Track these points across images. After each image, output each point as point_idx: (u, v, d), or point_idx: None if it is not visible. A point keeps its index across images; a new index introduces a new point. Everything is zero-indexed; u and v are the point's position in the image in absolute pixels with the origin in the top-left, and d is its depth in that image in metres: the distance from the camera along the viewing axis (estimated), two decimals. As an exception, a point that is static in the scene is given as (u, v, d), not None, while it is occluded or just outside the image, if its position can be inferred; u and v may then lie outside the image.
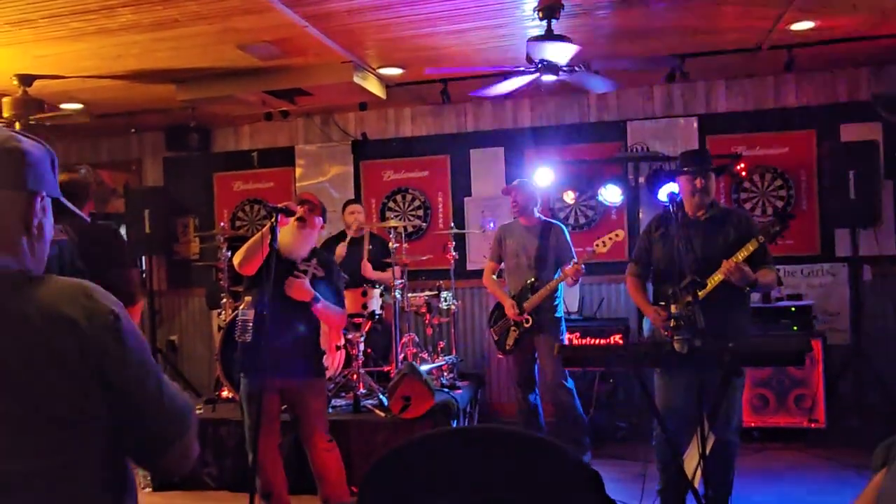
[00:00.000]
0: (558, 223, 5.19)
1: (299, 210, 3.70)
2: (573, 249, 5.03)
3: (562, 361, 3.72)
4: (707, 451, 2.95)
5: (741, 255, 3.44)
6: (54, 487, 1.26)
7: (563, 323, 5.09)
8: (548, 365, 4.92)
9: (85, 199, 4.17)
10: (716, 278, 3.43)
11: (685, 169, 3.64)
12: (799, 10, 4.37)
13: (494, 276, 5.26)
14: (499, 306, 5.16)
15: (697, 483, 2.96)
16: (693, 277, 3.38)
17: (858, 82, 5.91)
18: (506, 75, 4.67)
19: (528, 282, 4.96)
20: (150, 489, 4.76)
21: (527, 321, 4.92)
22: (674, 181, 3.96)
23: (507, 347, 5.06)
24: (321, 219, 3.85)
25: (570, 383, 4.99)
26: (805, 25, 4.68)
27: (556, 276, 4.92)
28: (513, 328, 5.01)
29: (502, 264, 5.21)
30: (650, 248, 3.78)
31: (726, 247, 3.50)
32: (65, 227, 3.40)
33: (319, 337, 3.94)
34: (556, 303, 5.00)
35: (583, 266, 4.76)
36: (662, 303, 3.58)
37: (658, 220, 3.83)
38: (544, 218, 5.23)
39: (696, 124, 6.20)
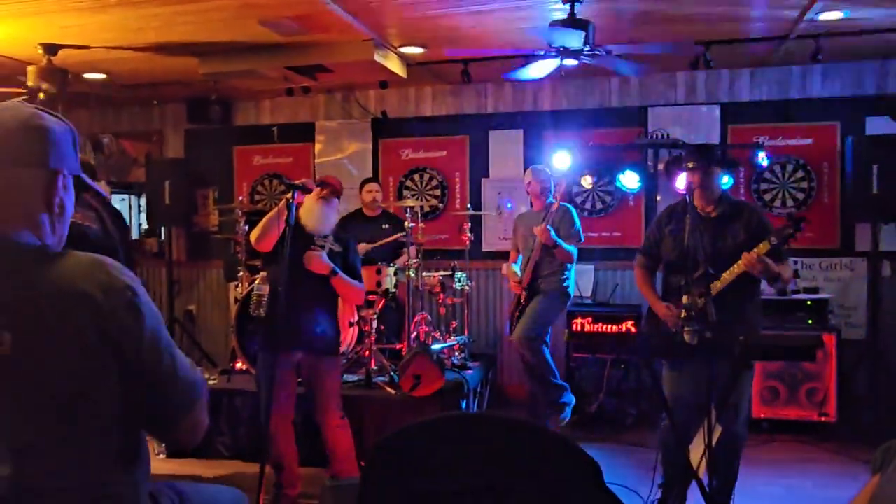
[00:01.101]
0: (565, 204, 5.27)
1: (318, 191, 3.74)
2: (577, 226, 5.15)
3: (572, 347, 3.73)
4: (713, 443, 2.97)
5: (763, 248, 3.38)
6: (70, 457, 1.30)
7: (567, 295, 5.18)
8: (525, 319, 5.06)
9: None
10: (735, 269, 3.39)
11: (688, 165, 3.56)
12: (829, 0, 4.30)
13: (515, 265, 5.40)
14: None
15: (702, 473, 2.98)
16: (706, 268, 3.36)
17: (886, 75, 5.81)
18: (527, 58, 4.64)
19: (527, 258, 5.18)
20: (164, 456, 4.87)
21: (522, 295, 5.14)
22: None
23: (513, 326, 5.23)
24: (337, 200, 3.89)
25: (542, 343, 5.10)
26: (834, 16, 4.61)
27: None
28: (517, 307, 5.21)
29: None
30: (661, 241, 3.73)
31: (736, 245, 3.44)
32: (96, 208, 3.40)
33: (337, 314, 4.01)
34: (563, 276, 5.10)
35: (548, 226, 4.91)
36: (674, 298, 3.55)
37: (669, 212, 3.77)
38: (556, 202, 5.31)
39: (718, 112, 6.14)
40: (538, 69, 4.62)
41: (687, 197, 3.53)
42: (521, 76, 4.79)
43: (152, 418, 1.43)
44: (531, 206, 5.44)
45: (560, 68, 4.60)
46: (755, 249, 3.33)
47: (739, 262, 3.36)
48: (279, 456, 3.85)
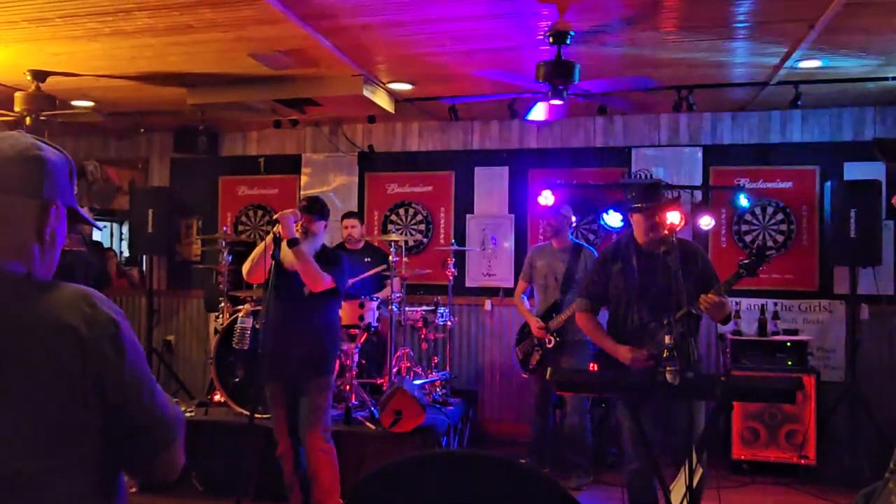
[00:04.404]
0: (589, 247, 5.27)
1: (295, 227, 3.74)
2: None
3: (554, 386, 3.70)
4: (695, 484, 2.96)
5: (723, 289, 3.38)
6: (49, 490, 1.28)
7: (590, 345, 5.10)
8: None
9: None
10: (694, 312, 3.40)
11: (639, 205, 3.57)
12: (808, 49, 4.42)
13: (525, 296, 5.36)
14: (526, 325, 5.24)
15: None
16: (689, 308, 3.37)
17: (864, 122, 5.95)
18: (514, 99, 4.71)
19: (554, 302, 5.06)
20: (136, 489, 4.76)
21: (549, 341, 5.01)
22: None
23: (531, 367, 5.14)
24: (324, 221, 3.89)
25: (585, 404, 5.08)
26: (812, 64, 4.73)
27: None
28: (536, 348, 5.10)
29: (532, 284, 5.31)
30: (608, 281, 3.69)
31: (687, 282, 3.44)
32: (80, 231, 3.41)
33: (333, 335, 4.03)
34: None
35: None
36: (639, 337, 3.55)
37: (614, 252, 3.74)
38: (576, 241, 5.33)
39: (700, 154, 6.24)
40: (541, 111, 4.67)
41: (675, 236, 3.56)
42: (531, 117, 4.83)
43: (128, 454, 1.41)
44: (541, 240, 5.41)
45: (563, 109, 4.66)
46: (720, 286, 3.35)
47: (697, 303, 3.36)
48: (290, 477, 3.95)
